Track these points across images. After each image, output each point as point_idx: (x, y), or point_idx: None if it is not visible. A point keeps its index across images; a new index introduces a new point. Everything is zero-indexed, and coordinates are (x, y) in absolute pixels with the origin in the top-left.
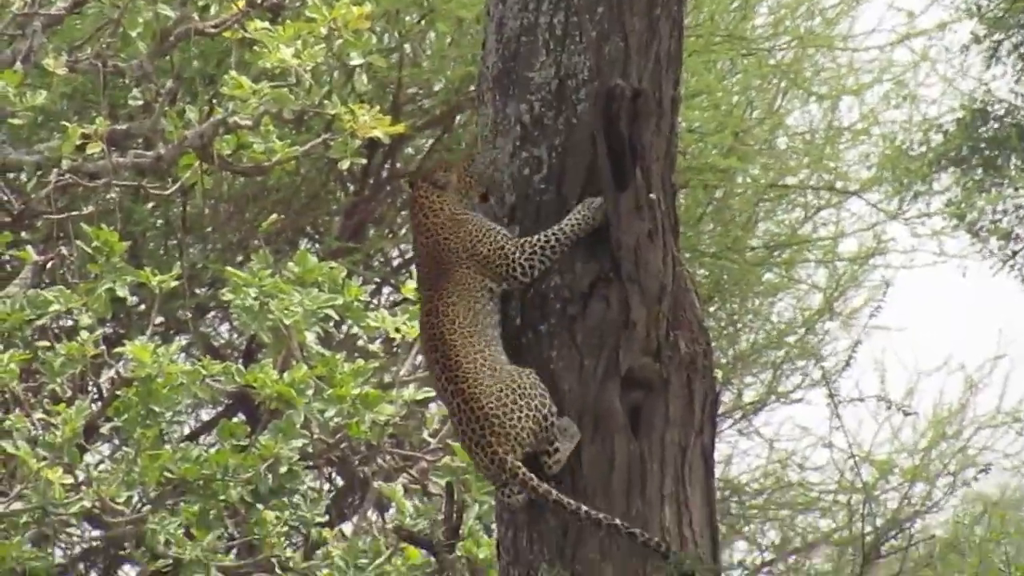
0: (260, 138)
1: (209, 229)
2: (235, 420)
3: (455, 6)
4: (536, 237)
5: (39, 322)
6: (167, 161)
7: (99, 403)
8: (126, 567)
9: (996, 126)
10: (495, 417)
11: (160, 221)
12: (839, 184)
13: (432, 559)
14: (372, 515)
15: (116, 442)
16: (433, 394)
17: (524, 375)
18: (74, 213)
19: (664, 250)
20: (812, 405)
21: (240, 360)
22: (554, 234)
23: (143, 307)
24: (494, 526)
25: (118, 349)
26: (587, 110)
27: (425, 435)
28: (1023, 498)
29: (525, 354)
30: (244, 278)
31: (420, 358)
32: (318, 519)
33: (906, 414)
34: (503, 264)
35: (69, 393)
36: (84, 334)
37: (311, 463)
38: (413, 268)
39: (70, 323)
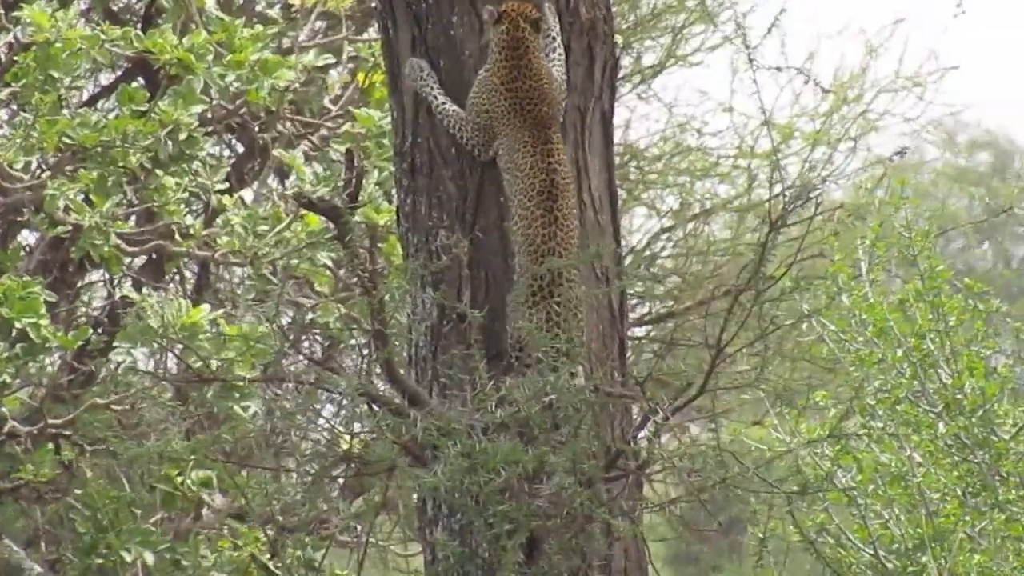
0: None
1: None
2: (134, 86)
3: None
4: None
5: None
6: None
7: None
8: (24, 233)
9: None
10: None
11: None
12: None
13: (331, 225)
14: (272, 182)
15: (14, 107)
16: (333, 61)
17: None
18: None
19: None
20: (711, 69)
21: (139, 25)
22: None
23: None
24: (394, 192)
25: (16, 13)
26: None
27: (326, 102)
28: (922, 161)
29: (426, 20)
30: None
31: (320, 24)
32: (218, 186)
33: (824, 91)
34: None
35: None
36: None
37: (211, 129)
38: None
39: None
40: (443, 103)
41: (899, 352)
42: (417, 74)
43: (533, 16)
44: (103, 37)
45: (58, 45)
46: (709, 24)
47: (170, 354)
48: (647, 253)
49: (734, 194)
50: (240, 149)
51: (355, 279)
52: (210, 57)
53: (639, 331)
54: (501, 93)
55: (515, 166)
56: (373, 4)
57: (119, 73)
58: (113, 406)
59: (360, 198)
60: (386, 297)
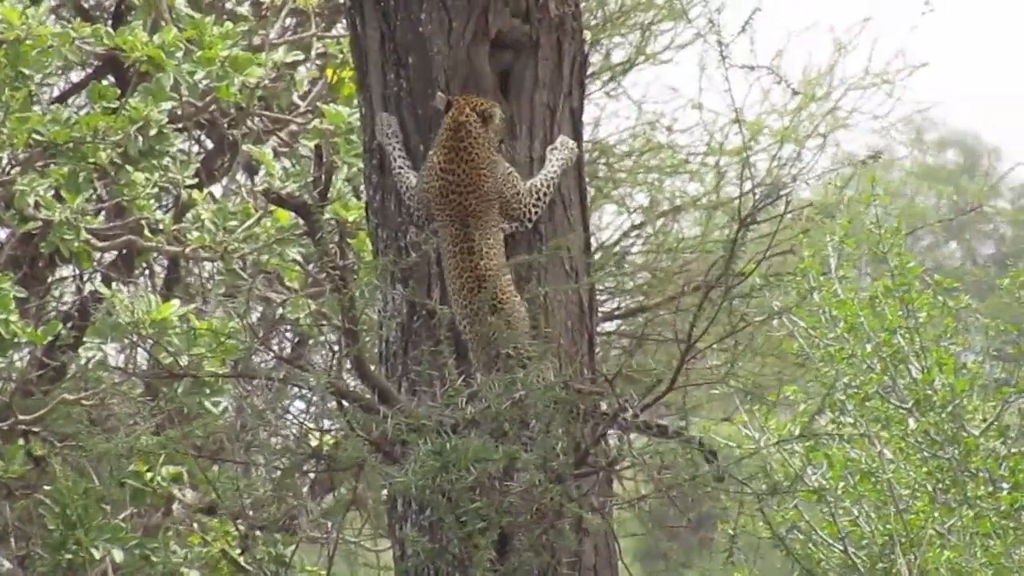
0: None
1: None
2: (105, 83)
3: None
4: (539, 181)
5: None
6: None
7: None
8: None
9: None
10: None
11: None
12: None
13: (301, 221)
14: (242, 177)
15: None
16: (302, 57)
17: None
18: None
19: None
20: (680, 66)
21: (110, 22)
22: (550, 177)
23: None
24: (363, 189)
25: None
26: None
27: (295, 98)
28: (891, 159)
29: (394, 16)
30: None
31: (289, 20)
32: (188, 181)
33: (795, 93)
34: (519, 208)
35: None
36: None
37: (180, 125)
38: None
39: None
40: (402, 167)
41: (869, 348)
42: (384, 130)
43: (482, 108)
44: (74, 34)
45: (29, 42)
46: (679, 21)
47: (140, 349)
48: (616, 249)
49: (703, 191)
50: (210, 145)
51: (325, 275)
52: (180, 54)
53: (609, 326)
54: (436, 174)
55: (445, 262)
56: (342, 1)
57: (90, 71)
58: (83, 402)
59: (329, 194)
60: (356, 293)
